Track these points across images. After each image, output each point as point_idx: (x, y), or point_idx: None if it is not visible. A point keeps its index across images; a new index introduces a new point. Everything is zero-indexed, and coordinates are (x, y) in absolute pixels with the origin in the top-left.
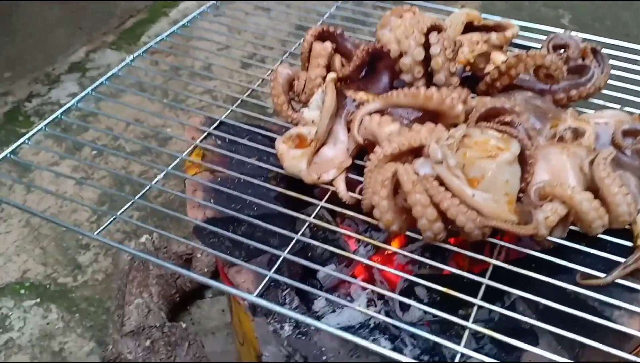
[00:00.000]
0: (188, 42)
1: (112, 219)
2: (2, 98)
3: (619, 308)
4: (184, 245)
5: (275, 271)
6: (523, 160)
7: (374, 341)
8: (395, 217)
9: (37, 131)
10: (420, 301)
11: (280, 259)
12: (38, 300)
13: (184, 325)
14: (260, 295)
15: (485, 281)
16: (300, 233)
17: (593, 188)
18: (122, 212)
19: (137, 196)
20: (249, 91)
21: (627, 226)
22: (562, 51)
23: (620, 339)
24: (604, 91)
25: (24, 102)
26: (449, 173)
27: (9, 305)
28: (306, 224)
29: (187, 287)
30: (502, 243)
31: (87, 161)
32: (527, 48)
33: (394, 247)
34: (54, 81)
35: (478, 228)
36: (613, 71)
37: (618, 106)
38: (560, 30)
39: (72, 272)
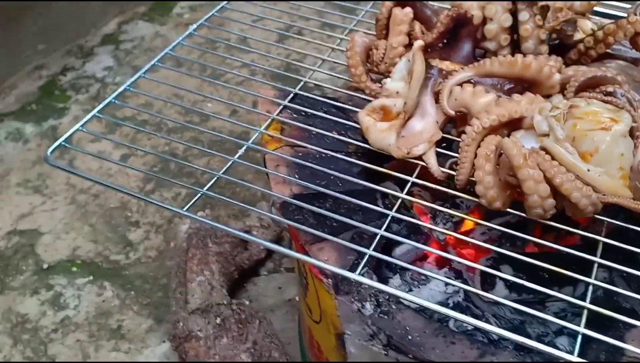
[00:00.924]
0: (222, 13)
1: (198, 196)
2: (37, 71)
3: None
4: (242, 222)
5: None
6: (630, 133)
7: (455, 321)
8: (499, 193)
9: (91, 118)
10: (505, 281)
11: (378, 237)
12: (91, 277)
13: (247, 303)
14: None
15: (597, 259)
16: (394, 210)
17: None
18: (208, 188)
19: (221, 171)
20: (321, 62)
21: None
22: None
23: None
24: None
25: (59, 76)
26: (558, 146)
27: (62, 282)
28: (399, 201)
29: (245, 264)
30: (608, 219)
31: (129, 137)
32: (606, 15)
33: (476, 219)
34: (88, 54)
35: (592, 205)
36: None
37: None
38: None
39: (123, 250)
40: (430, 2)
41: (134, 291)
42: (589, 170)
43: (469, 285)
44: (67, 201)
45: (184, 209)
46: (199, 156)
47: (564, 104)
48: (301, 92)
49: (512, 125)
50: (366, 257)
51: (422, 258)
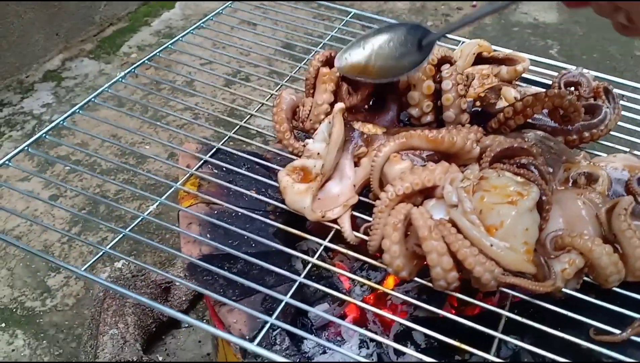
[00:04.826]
0: (170, 55)
1: (100, 254)
2: None
3: None
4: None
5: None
6: (539, 206)
7: None
8: (405, 263)
9: (19, 152)
10: (417, 345)
11: (282, 304)
12: (3, 324)
13: (160, 358)
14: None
15: (499, 335)
16: (303, 275)
17: (609, 237)
18: (111, 246)
19: (128, 229)
20: (249, 116)
21: None
22: (573, 88)
23: None
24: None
25: None
26: (465, 219)
27: None
28: (309, 265)
29: (164, 317)
30: (513, 292)
31: (60, 178)
32: (533, 82)
33: (388, 287)
34: (28, 90)
35: (495, 280)
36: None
37: (620, 147)
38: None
39: (40, 296)
40: None
41: (46, 341)
42: (492, 245)
43: (382, 347)
44: None
45: (83, 269)
46: (130, 199)
47: (474, 176)
48: (224, 148)
49: (426, 193)
50: (267, 326)
51: (340, 317)
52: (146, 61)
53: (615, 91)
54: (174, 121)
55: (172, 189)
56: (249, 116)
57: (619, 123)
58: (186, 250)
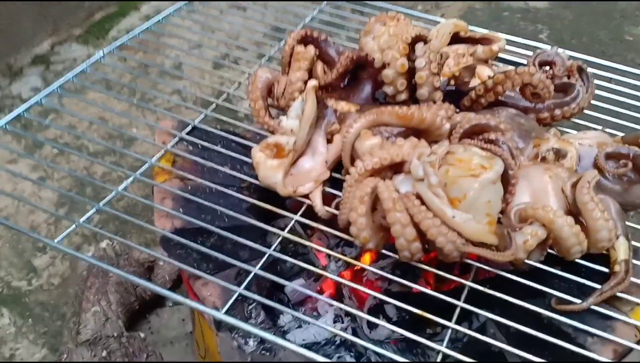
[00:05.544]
0: (159, 38)
1: (72, 227)
2: None
3: (592, 335)
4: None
5: (245, 287)
6: (505, 180)
7: (339, 358)
8: (372, 235)
9: None
10: (389, 319)
11: (251, 275)
12: None
13: (142, 335)
14: (227, 311)
15: (460, 304)
16: (273, 247)
17: (574, 210)
18: (85, 219)
19: (102, 202)
20: (225, 95)
21: (604, 252)
22: (548, 68)
23: None
24: (586, 111)
25: None
26: (429, 191)
27: None
28: (279, 238)
29: (147, 295)
30: (477, 264)
31: (48, 160)
32: (511, 62)
33: (364, 264)
34: (16, 74)
35: (457, 251)
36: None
37: (599, 127)
38: (543, 46)
39: (26, 276)
40: (337, 43)
41: (32, 319)
42: (454, 216)
43: (356, 322)
44: None
45: (56, 241)
46: (117, 180)
47: (441, 150)
48: (200, 125)
49: (396, 168)
50: (235, 295)
51: (317, 292)
52: (127, 42)
53: (605, 74)
54: (162, 103)
55: (147, 165)
56: (225, 95)
57: (609, 106)
58: (159, 223)
